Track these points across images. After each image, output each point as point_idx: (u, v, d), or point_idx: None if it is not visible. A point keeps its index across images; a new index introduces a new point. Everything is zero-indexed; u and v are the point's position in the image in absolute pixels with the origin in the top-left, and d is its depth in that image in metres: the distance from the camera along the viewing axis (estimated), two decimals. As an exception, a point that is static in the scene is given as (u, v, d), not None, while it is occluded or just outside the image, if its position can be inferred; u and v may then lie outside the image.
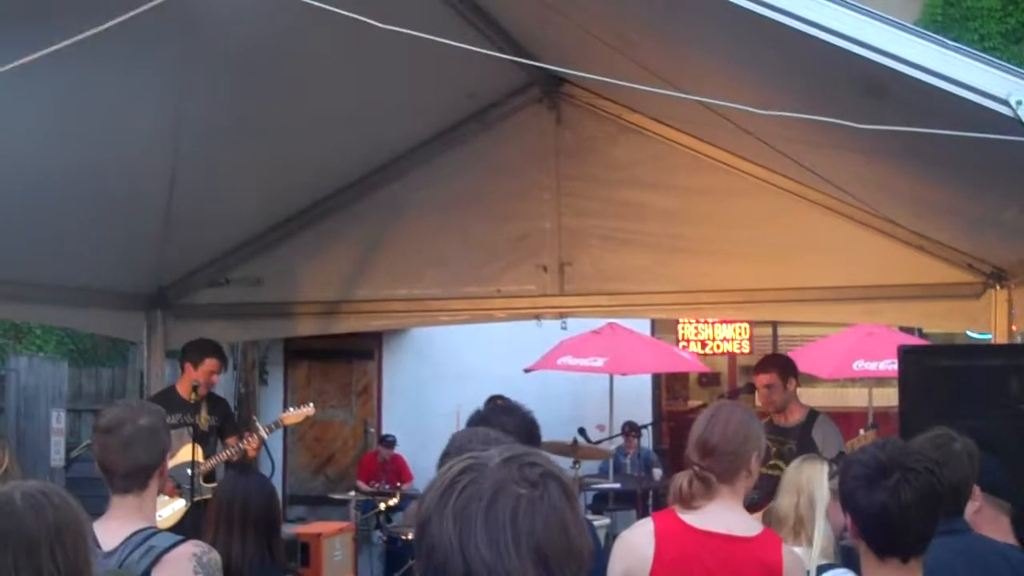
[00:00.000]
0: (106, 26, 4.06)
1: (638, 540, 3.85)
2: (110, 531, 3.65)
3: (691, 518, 3.82)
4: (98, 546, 3.59)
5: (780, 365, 7.77)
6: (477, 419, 4.13)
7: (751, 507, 7.55)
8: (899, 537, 3.07)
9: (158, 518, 7.39)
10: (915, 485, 3.02)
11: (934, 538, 3.14)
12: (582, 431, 11.50)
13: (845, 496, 3.17)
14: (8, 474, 4.63)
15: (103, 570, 3.48)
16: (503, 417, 4.08)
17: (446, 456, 3.31)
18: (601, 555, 4.00)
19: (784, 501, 4.74)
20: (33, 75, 4.26)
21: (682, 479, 3.90)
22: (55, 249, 7.53)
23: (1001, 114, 3.66)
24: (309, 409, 8.22)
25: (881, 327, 12.16)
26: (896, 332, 12.48)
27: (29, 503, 2.83)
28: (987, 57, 3.77)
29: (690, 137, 7.89)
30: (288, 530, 12.92)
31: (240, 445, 7.94)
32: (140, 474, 3.72)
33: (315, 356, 17.52)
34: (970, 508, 3.83)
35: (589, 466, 13.75)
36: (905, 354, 6.21)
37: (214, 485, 7.78)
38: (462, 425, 4.25)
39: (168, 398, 7.96)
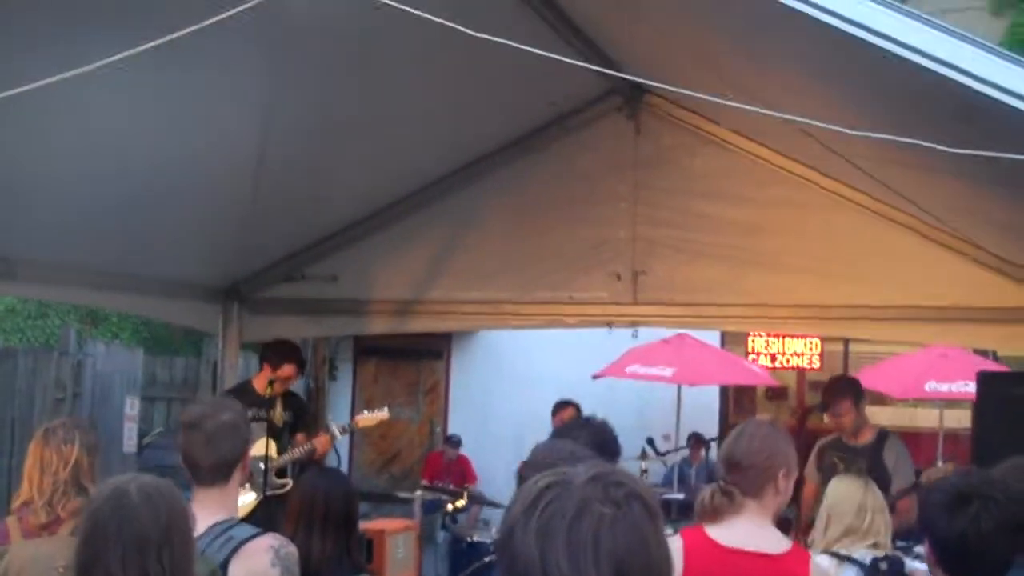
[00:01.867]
0: (199, 26, 4.15)
1: None
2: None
3: (719, 535, 3.82)
4: None
5: (851, 390, 7.77)
6: (564, 431, 4.17)
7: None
8: (977, 564, 3.06)
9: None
10: (995, 514, 3.02)
11: (1014, 569, 3.13)
12: (650, 441, 11.50)
13: (925, 523, 3.17)
14: (78, 468, 4.68)
15: None
16: (587, 431, 4.11)
17: (527, 466, 3.35)
18: None
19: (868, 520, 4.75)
20: (127, 72, 4.34)
21: (706, 492, 3.93)
22: (136, 239, 7.67)
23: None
24: (384, 413, 8.28)
25: (955, 348, 12.01)
26: (970, 354, 12.32)
27: (144, 500, 2.89)
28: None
29: (769, 150, 7.88)
30: (353, 526, 13.04)
31: (310, 443, 8.02)
32: (224, 468, 3.82)
33: (384, 354, 17.60)
34: None
35: (655, 475, 13.73)
36: (984, 380, 6.15)
37: (285, 481, 7.88)
38: (528, 430, 4.29)
39: (244, 392, 8.09)
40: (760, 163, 7.97)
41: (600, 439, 4.14)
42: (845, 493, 4.76)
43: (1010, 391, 6.14)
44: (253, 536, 3.73)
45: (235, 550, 3.65)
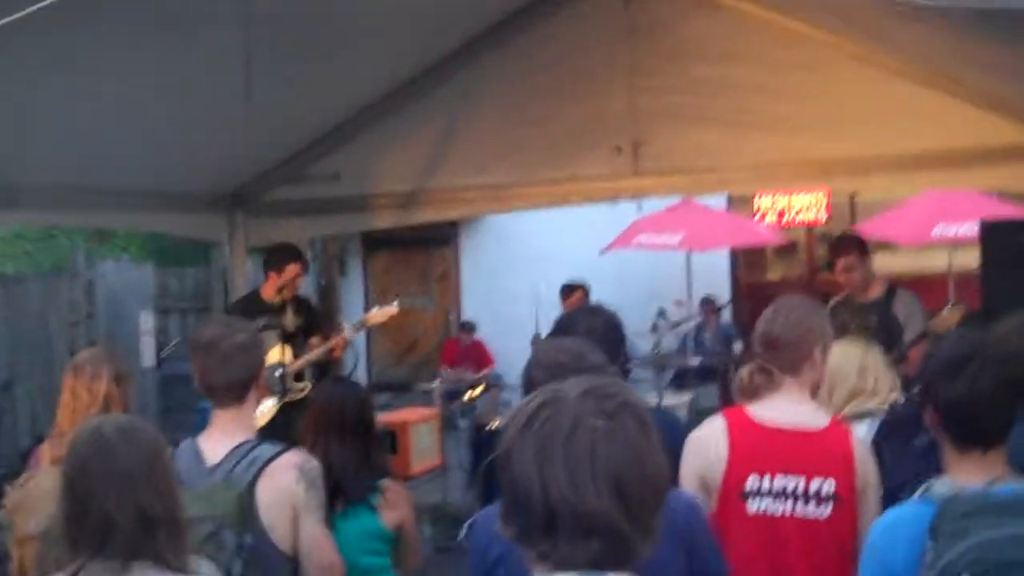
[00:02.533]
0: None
1: (710, 439, 3.87)
2: (214, 445, 3.81)
3: (761, 413, 3.85)
4: (202, 460, 3.73)
5: (857, 245, 7.75)
6: (564, 324, 4.20)
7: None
8: (978, 427, 3.09)
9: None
10: (992, 375, 3.04)
11: (1021, 423, 3.16)
12: (661, 312, 11.54)
13: (925, 389, 3.19)
14: (109, 401, 4.73)
15: (209, 484, 3.62)
16: (591, 321, 4.14)
17: (529, 368, 3.38)
18: (681, 434, 4.06)
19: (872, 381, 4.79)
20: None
21: (744, 372, 3.94)
22: (132, 154, 7.66)
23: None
24: (393, 308, 8.29)
25: (960, 190, 11.96)
26: (975, 194, 12.27)
27: (122, 437, 2.95)
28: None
29: (764, 9, 7.76)
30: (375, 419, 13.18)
31: (326, 345, 8.07)
32: (239, 388, 3.86)
33: (393, 245, 17.63)
34: None
35: (670, 342, 13.82)
36: (987, 229, 6.13)
37: (303, 385, 7.93)
38: (541, 309, 4.33)
39: (253, 301, 8.13)
40: (757, 22, 7.83)
41: (611, 327, 4.18)
42: (845, 356, 4.78)
43: (1014, 238, 6.12)
44: (277, 455, 3.78)
45: (260, 471, 3.70)
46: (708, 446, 3.86)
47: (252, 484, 3.66)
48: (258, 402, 4.03)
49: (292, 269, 8.19)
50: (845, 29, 7.25)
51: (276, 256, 8.29)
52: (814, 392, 4.01)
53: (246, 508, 3.54)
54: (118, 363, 4.91)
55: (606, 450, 1.86)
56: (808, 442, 3.80)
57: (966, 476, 3.10)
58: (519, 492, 1.89)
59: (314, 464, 3.87)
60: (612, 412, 1.89)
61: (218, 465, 3.74)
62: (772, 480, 3.76)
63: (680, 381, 13.65)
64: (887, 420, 4.55)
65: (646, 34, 8.10)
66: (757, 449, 3.80)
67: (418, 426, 12.75)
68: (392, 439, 12.37)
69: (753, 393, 3.91)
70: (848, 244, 7.82)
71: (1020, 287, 5.60)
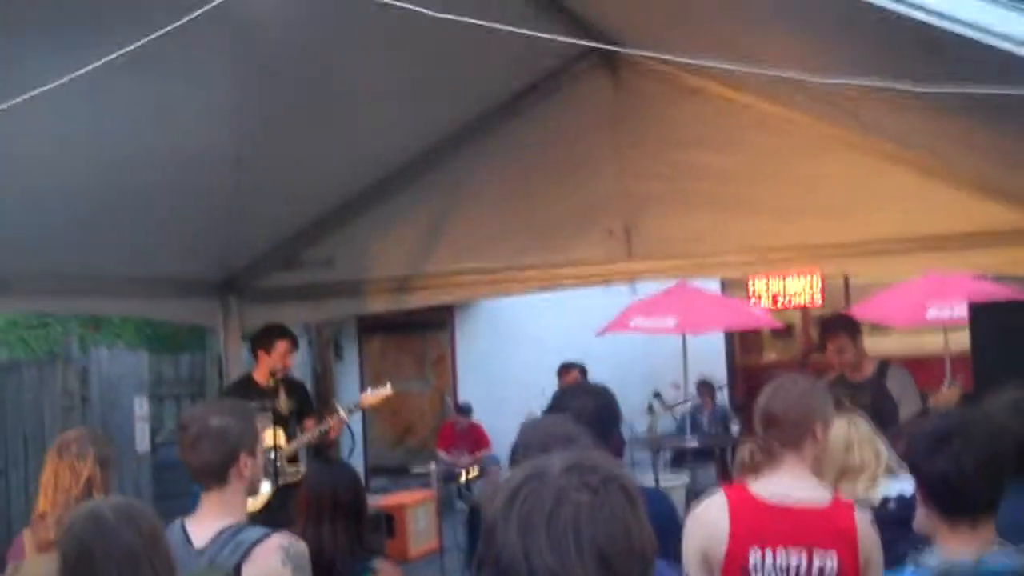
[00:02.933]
0: (160, 33, 4.16)
1: (712, 515, 3.87)
2: (201, 528, 3.79)
3: (762, 490, 3.85)
4: (190, 543, 3.71)
5: (847, 326, 7.79)
6: (556, 402, 4.19)
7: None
8: (964, 502, 3.10)
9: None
10: (975, 452, 3.06)
11: (1013, 496, 3.17)
12: (657, 394, 11.55)
13: (911, 466, 3.22)
14: (91, 483, 4.70)
15: (195, 568, 3.60)
16: (583, 400, 4.13)
17: (515, 450, 3.38)
18: (678, 518, 4.05)
19: (857, 455, 4.77)
20: (99, 79, 4.36)
21: (745, 450, 3.95)
22: (128, 241, 7.70)
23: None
24: (387, 390, 8.30)
25: (953, 272, 11.99)
26: (969, 277, 12.29)
27: (122, 518, 2.94)
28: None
29: (750, 96, 7.85)
30: (371, 502, 13.11)
31: (321, 427, 8.06)
32: (212, 471, 3.83)
33: (389, 329, 17.65)
34: None
35: (667, 424, 13.79)
36: (977, 311, 6.16)
37: (297, 467, 7.92)
38: (537, 391, 4.33)
39: (246, 386, 8.13)
40: (742, 109, 7.93)
41: (604, 405, 4.17)
42: (830, 435, 4.78)
43: (1004, 320, 6.14)
44: (262, 538, 3.75)
45: (245, 554, 3.67)
46: (710, 522, 3.86)
47: (238, 568, 3.64)
48: (251, 486, 3.98)
49: (281, 346, 8.20)
50: (836, 115, 7.31)
51: (264, 336, 8.32)
52: (815, 469, 4.01)
53: None
54: (103, 446, 4.88)
55: (590, 524, 1.84)
56: (810, 518, 3.79)
57: (956, 548, 3.11)
58: (504, 568, 1.88)
59: (301, 547, 3.83)
60: (596, 486, 1.88)
61: (204, 549, 3.72)
62: (774, 555, 3.76)
63: (678, 463, 13.61)
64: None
65: (636, 119, 8.20)
66: (759, 525, 3.79)
67: (415, 509, 12.72)
68: (389, 522, 12.33)
69: (754, 471, 3.91)
70: (838, 325, 7.86)
71: (1011, 366, 5.61)
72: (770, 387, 4.00)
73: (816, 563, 3.72)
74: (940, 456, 3.08)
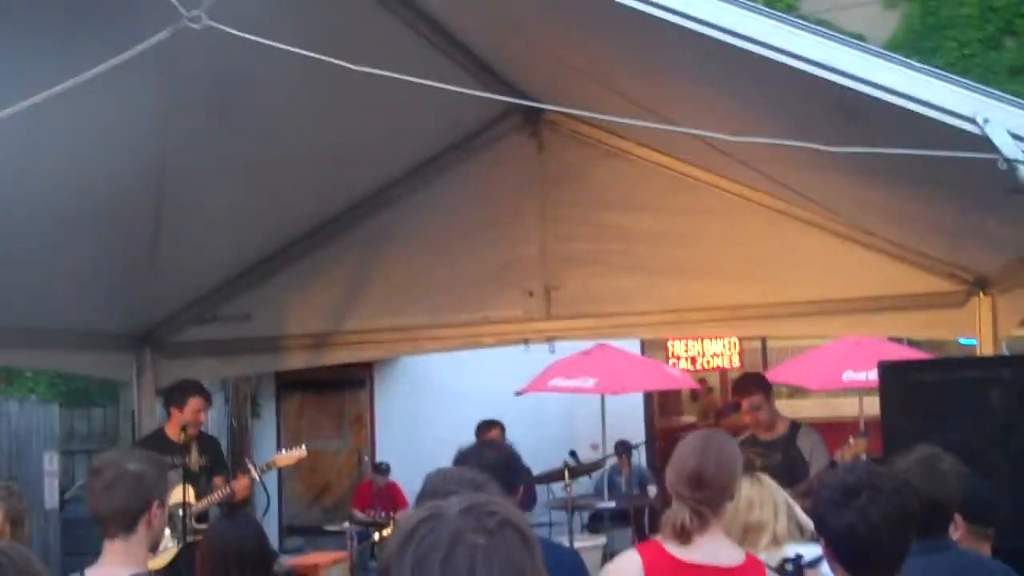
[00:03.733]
0: (85, 76, 4.09)
1: (626, 573, 3.83)
2: None
3: (677, 550, 3.80)
4: None
5: (761, 385, 7.87)
6: (460, 457, 4.16)
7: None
8: (870, 557, 3.10)
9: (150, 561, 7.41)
10: (882, 505, 3.06)
11: (920, 556, 3.17)
12: (573, 453, 11.54)
13: (817, 519, 3.20)
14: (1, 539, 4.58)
15: None
16: (484, 451, 4.12)
17: (420, 498, 3.34)
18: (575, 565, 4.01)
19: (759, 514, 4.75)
20: (15, 116, 4.27)
21: (682, 514, 3.81)
22: (42, 293, 7.55)
23: (970, 132, 3.70)
24: (301, 451, 8.23)
25: (868, 337, 12.17)
26: (884, 341, 12.47)
27: (13, 569, 2.85)
28: (954, 77, 3.82)
29: (672, 159, 7.94)
30: (285, 562, 12.91)
31: (230, 486, 7.93)
32: (123, 518, 3.72)
33: (307, 387, 17.49)
34: (953, 535, 3.86)
35: (585, 485, 13.75)
36: (885, 370, 6.22)
37: (204, 526, 7.78)
38: (455, 449, 4.30)
39: (157, 441, 7.99)
40: (664, 172, 8.02)
41: (507, 459, 4.15)
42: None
43: (913, 378, 6.21)
44: None
45: None
46: None
47: None
48: (154, 538, 3.88)
49: (194, 403, 8.09)
50: (754, 179, 7.41)
51: (177, 392, 8.21)
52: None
53: None
54: (16, 502, 4.78)
55: (486, 566, 1.80)
56: None
57: None
58: None
59: None
60: (493, 528, 1.85)
61: None
62: None
63: (595, 525, 13.56)
64: None
65: (557, 181, 8.26)
66: None
67: (329, 569, 12.49)
68: (303, 583, 12.13)
69: (686, 536, 3.81)
70: (752, 384, 7.93)
71: (918, 425, 5.68)
72: (695, 446, 3.90)
73: None
74: (847, 510, 3.08)
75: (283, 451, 8.33)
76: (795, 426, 7.76)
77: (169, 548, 7.69)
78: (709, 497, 3.81)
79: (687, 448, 3.91)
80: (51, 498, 13.75)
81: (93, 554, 3.82)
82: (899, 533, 3.11)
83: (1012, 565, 3.92)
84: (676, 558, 3.79)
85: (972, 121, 3.68)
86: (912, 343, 13.61)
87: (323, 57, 3.91)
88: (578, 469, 11.27)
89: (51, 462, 13.92)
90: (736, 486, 3.89)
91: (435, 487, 3.35)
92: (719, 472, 3.83)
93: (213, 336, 9.14)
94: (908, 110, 3.72)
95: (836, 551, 3.14)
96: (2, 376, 16.64)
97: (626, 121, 5.44)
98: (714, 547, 3.82)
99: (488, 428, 10.99)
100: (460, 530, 1.84)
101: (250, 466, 8.11)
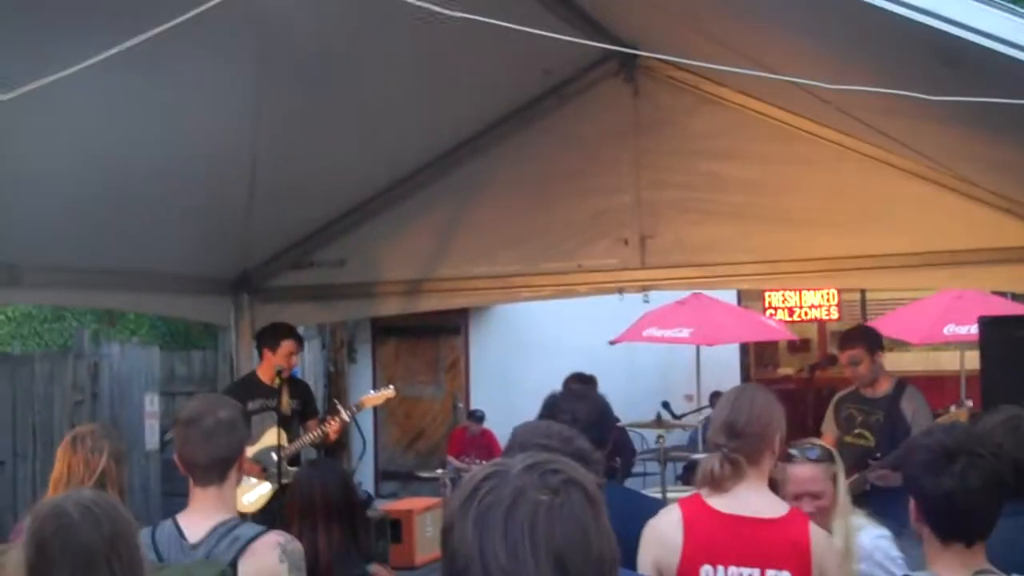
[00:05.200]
0: (179, 20, 4.11)
1: (666, 528, 3.83)
2: (194, 523, 3.75)
3: (718, 503, 3.81)
4: (184, 538, 3.67)
5: (865, 338, 7.65)
6: (550, 405, 4.15)
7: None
8: (964, 522, 3.04)
9: (246, 503, 7.53)
10: (981, 470, 2.99)
11: (1005, 518, 3.11)
12: (666, 404, 11.48)
13: (909, 481, 3.14)
14: (105, 477, 4.65)
15: (192, 559, 3.57)
16: (575, 403, 4.10)
17: (508, 450, 3.33)
18: None
19: None
20: (116, 71, 4.32)
21: (713, 462, 3.87)
22: (143, 238, 7.67)
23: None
24: (390, 391, 8.27)
25: (971, 290, 11.94)
26: (986, 295, 12.25)
27: (84, 515, 2.88)
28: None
29: (770, 106, 7.81)
30: (379, 507, 13.07)
31: (322, 428, 8.00)
32: (220, 466, 3.79)
33: (402, 333, 17.62)
34: None
35: (678, 436, 13.71)
36: (986, 325, 6.08)
37: (298, 469, 7.88)
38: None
39: (250, 384, 8.08)
40: (761, 119, 7.89)
41: (599, 411, 4.13)
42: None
43: (1014, 334, 6.06)
44: (260, 534, 3.73)
45: (242, 549, 3.64)
46: (664, 535, 3.82)
47: (234, 563, 3.61)
48: (239, 483, 3.94)
49: (287, 346, 8.14)
50: (852, 127, 7.26)
51: (269, 334, 8.27)
52: (770, 483, 3.97)
53: None
54: (117, 441, 4.86)
55: (547, 524, 1.79)
56: (764, 531, 3.75)
57: (948, 570, 3.05)
58: (458, 565, 1.83)
59: (297, 546, 3.80)
60: (557, 486, 1.84)
61: (199, 543, 3.68)
62: (726, 571, 3.72)
63: (688, 476, 13.51)
64: None
65: (654, 127, 8.16)
66: (712, 539, 3.76)
67: (423, 515, 12.64)
68: (396, 528, 12.27)
69: (718, 484, 3.85)
70: (855, 337, 7.75)
71: (1020, 383, 5.54)
72: (730, 398, 3.97)
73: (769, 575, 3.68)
74: (944, 474, 3.01)
75: (371, 391, 8.37)
76: (900, 386, 7.54)
77: (262, 493, 7.79)
78: (742, 446, 3.83)
79: (723, 400, 4.01)
80: (151, 439, 14.02)
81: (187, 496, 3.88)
82: (994, 498, 3.05)
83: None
84: (715, 510, 3.80)
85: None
86: (1016, 297, 13.34)
87: (417, 3, 3.88)
88: (670, 422, 11.22)
89: (152, 403, 14.18)
90: (775, 438, 3.85)
91: (523, 440, 3.34)
92: (751, 422, 3.84)
93: (309, 281, 9.22)
94: (1011, 57, 3.61)
95: (928, 515, 3.09)
96: (105, 319, 16.97)
97: (723, 68, 5.34)
98: (754, 498, 3.82)
99: (580, 381, 10.97)
100: (523, 487, 1.83)
101: (340, 408, 8.17)
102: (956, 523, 3.04)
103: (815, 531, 3.82)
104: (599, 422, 4.07)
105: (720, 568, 3.71)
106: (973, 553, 3.06)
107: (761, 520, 3.76)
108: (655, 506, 4.22)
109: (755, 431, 3.83)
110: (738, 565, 3.70)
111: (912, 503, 3.14)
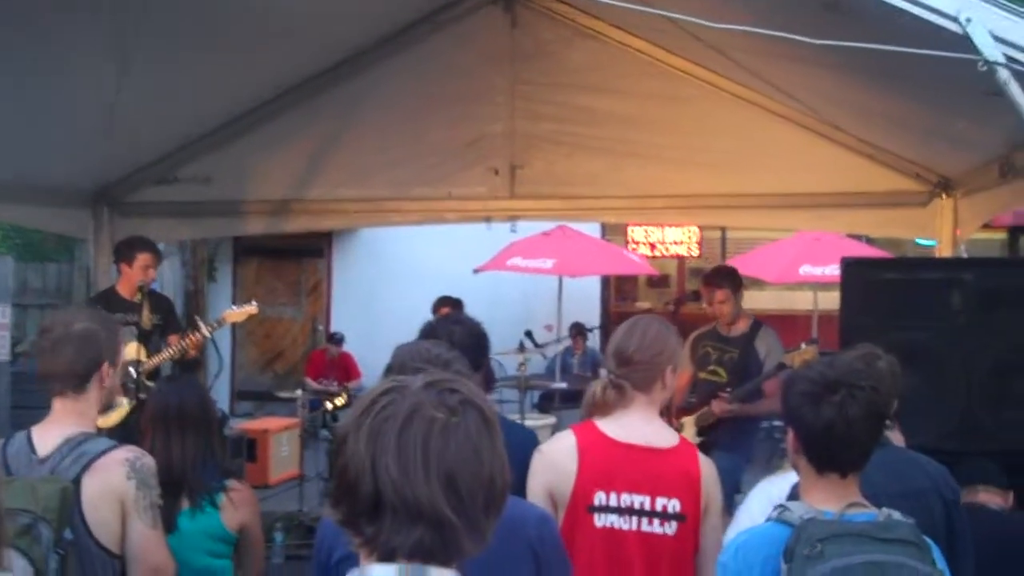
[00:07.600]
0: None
1: (559, 454, 3.86)
2: (47, 436, 3.66)
3: (611, 430, 3.86)
4: (34, 452, 3.60)
5: (732, 279, 7.84)
6: (427, 330, 4.17)
7: (687, 410, 7.72)
8: (841, 453, 3.12)
9: (102, 419, 7.39)
10: (861, 402, 3.07)
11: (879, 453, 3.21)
12: (528, 333, 11.60)
13: (790, 412, 3.20)
14: None
15: (35, 476, 3.49)
16: (452, 327, 4.12)
17: (388, 370, 3.35)
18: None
19: None
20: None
21: (596, 386, 3.95)
22: (1, 146, 7.42)
23: (951, 31, 3.67)
24: (252, 307, 8.18)
25: (828, 233, 12.26)
26: (843, 238, 12.59)
27: None
28: (940, -25, 3.76)
29: (646, 43, 7.83)
30: (235, 426, 13.01)
31: (182, 343, 7.90)
32: (71, 377, 3.70)
33: (265, 253, 17.47)
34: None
35: (537, 365, 13.85)
36: (848, 266, 6.23)
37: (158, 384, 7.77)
38: (413, 324, 4.31)
39: (108, 298, 7.92)
40: (638, 56, 7.91)
41: (476, 336, 4.17)
42: None
43: (875, 276, 6.22)
44: (106, 450, 3.63)
45: (87, 466, 3.56)
46: (557, 461, 3.85)
47: (78, 478, 3.53)
48: (107, 398, 3.86)
49: (143, 258, 7.97)
50: (726, 68, 7.35)
51: (125, 247, 8.09)
52: (662, 411, 4.04)
53: (69, 503, 3.41)
54: None
55: (441, 442, 1.83)
56: (656, 460, 3.81)
57: (822, 500, 3.13)
58: (350, 475, 1.85)
59: (148, 461, 3.71)
60: (454, 406, 1.87)
61: (47, 458, 3.59)
62: (619, 497, 3.78)
63: (545, 404, 13.70)
64: None
65: (530, 59, 8.13)
66: (605, 466, 3.80)
67: (279, 435, 12.63)
68: (252, 447, 12.24)
69: (604, 408, 3.91)
70: (723, 276, 7.92)
71: (878, 324, 5.70)
72: (625, 326, 4.01)
73: (659, 505, 3.76)
74: (824, 405, 3.08)
75: (233, 307, 8.27)
76: (756, 325, 7.77)
77: (121, 406, 7.66)
78: (631, 373, 3.88)
79: (618, 330, 4.03)
80: (2, 351, 13.69)
81: (43, 409, 3.79)
82: (872, 430, 3.14)
83: (950, 467, 3.98)
84: (609, 437, 3.85)
85: (954, 20, 3.64)
86: (870, 241, 13.75)
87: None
88: (533, 351, 11.35)
89: (4, 315, 13.83)
90: (667, 369, 3.92)
91: (403, 361, 3.36)
92: (641, 350, 3.89)
93: (172, 197, 9.01)
94: (889, 4, 3.68)
95: (806, 446, 3.16)
96: (-42, 227, 16.48)
97: (604, 1, 5.33)
98: (646, 427, 3.88)
99: (444, 305, 11.00)
100: (420, 403, 1.85)
101: (201, 324, 8.06)
102: (833, 453, 3.12)
103: (704, 462, 3.90)
104: (476, 346, 4.10)
105: (613, 494, 3.76)
106: (846, 484, 3.15)
107: (654, 449, 3.82)
108: (532, 438, 4.27)
109: (644, 359, 3.87)
110: (631, 492, 3.76)
111: (790, 434, 3.21)
